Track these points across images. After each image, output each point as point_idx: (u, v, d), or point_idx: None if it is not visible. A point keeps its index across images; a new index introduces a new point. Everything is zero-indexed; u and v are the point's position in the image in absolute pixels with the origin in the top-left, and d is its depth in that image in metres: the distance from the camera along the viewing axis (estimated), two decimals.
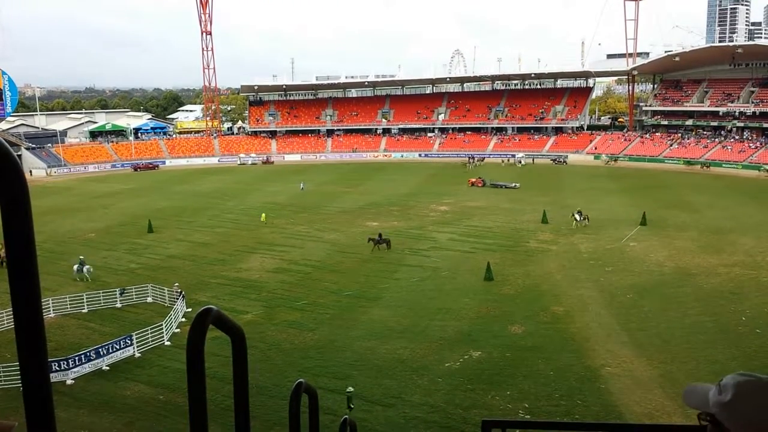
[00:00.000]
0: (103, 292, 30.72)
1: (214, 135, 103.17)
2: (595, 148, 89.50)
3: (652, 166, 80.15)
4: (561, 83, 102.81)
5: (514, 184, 65.00)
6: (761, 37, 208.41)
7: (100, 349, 23.53)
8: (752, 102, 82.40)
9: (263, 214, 49.83)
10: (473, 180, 66.89)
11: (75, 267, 34.86)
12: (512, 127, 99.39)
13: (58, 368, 21.94)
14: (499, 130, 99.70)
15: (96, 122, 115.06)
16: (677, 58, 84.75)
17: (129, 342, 24.39)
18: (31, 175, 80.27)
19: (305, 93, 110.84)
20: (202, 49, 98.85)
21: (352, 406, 19.84)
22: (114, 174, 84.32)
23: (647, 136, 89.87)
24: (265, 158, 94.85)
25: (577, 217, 44.80)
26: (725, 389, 1.60)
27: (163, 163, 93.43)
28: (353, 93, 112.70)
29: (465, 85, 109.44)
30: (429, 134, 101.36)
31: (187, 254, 39.63)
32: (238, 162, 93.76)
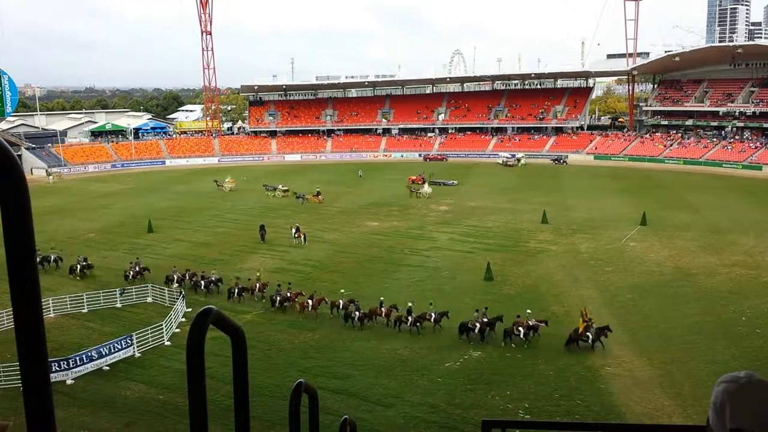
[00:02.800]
0: (103, 292, 30.75)
1: (214, 135, 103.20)
2: (595, 148, 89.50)
3: (652, 166, 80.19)
4: (561, 83, 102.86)
5: (452, 182, 67.18)
6: (761, 37, 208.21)
7: (101, 349, 23.54)
8: (752, 102, 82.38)
9: None
10: (413, 177, 68.60)
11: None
12: (512, 127, 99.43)
13: (58, 368, 21.95)
14: (499, 130, 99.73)
15: (96, 122, 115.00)
16: (677, 58, 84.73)
17: (129, 342, 24.39)
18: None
19: (305, 93, 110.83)
20: (202, 49, 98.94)
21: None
22: (115, 174, 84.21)
23: (647, 136, 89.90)
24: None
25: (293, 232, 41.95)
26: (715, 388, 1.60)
27: (163, 163, 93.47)
28: (353, 93, 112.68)
29: (465, 85, 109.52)
30: (429, 134, 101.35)
31: (188, 254, 39.60)
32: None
